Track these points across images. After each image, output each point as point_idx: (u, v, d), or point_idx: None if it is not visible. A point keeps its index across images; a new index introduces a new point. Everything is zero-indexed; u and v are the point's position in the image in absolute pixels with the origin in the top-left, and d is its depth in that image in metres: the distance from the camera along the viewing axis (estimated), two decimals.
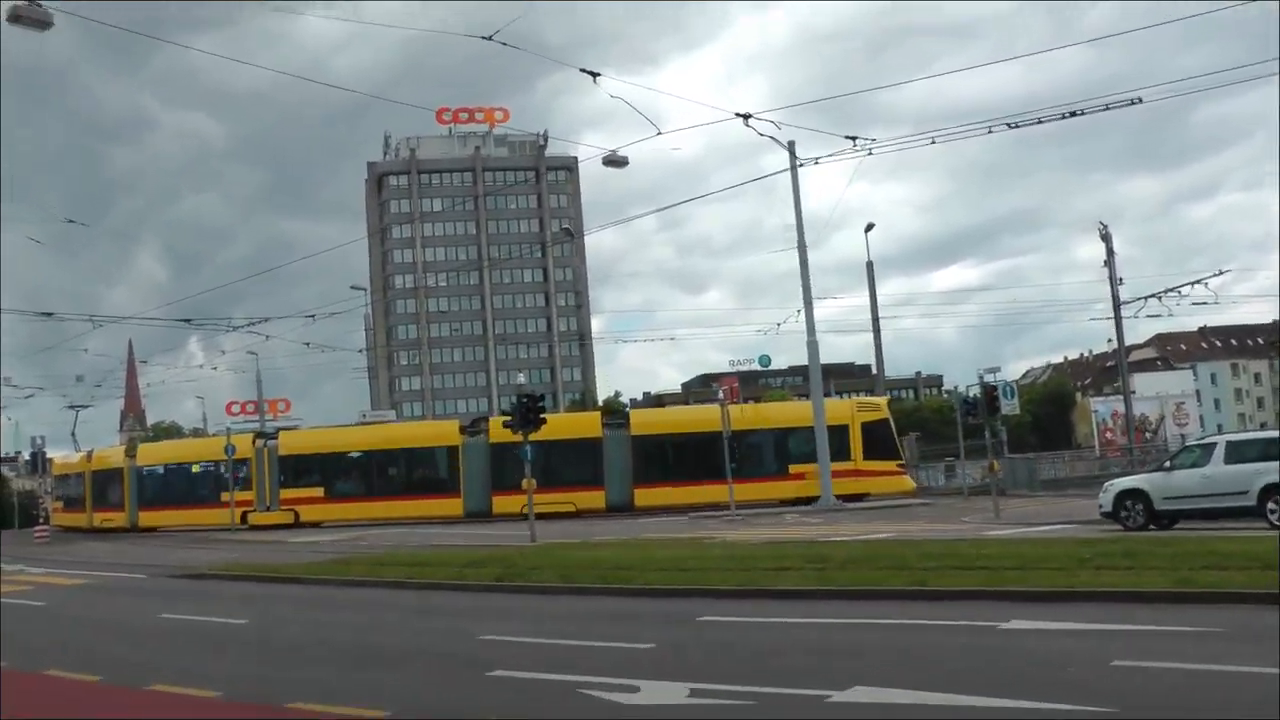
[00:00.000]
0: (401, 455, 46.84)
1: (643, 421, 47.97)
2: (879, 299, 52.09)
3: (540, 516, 31.38)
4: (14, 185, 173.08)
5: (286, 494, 45.45)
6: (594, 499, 42.96)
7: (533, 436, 36.95)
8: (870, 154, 29.39)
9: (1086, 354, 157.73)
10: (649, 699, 9.10)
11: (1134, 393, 70.86)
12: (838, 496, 39.97)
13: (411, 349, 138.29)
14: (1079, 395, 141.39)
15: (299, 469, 46.35)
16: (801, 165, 36.53)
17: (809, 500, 40.55)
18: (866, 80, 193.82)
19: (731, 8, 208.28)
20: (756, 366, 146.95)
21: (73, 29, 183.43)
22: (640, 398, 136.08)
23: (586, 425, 46.63)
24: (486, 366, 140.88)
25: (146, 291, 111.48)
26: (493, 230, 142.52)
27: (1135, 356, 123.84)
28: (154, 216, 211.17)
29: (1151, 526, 23.45)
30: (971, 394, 36.99)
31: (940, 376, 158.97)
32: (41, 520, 48.89)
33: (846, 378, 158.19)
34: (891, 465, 42.68)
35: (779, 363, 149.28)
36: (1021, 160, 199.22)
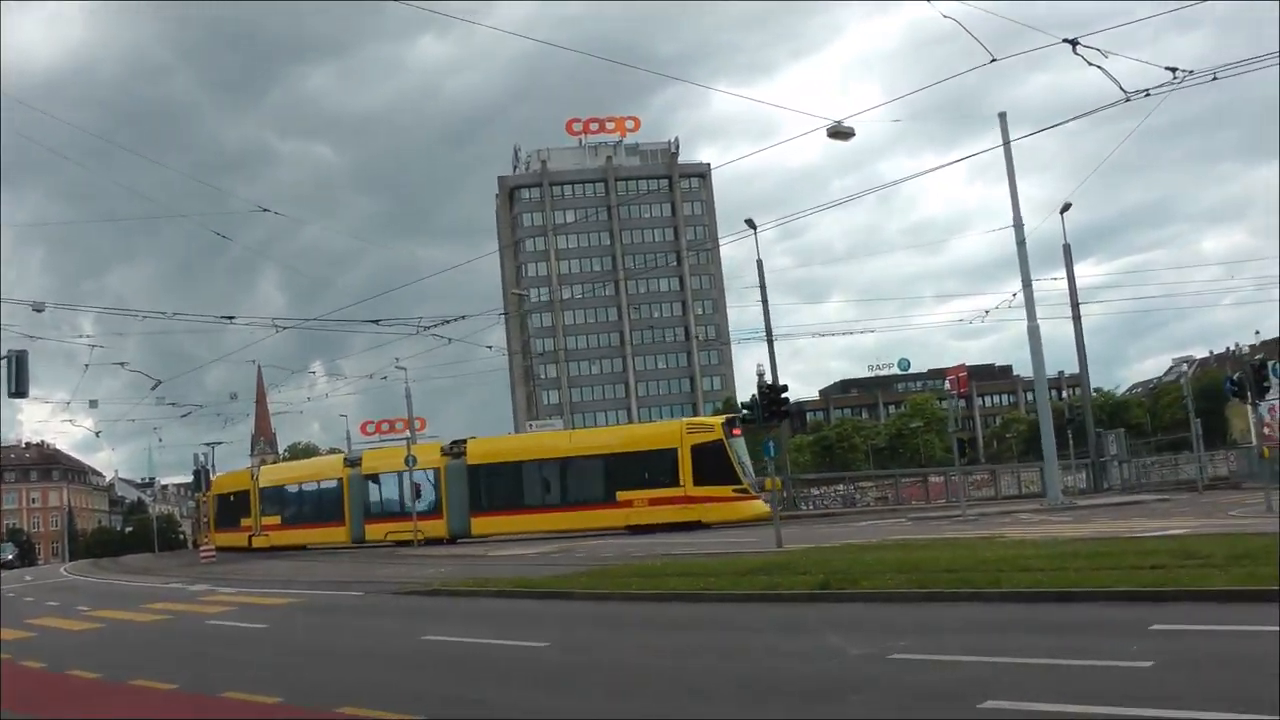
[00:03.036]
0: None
1: (479, 451, 46.11)
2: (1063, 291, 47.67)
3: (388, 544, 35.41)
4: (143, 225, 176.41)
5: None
6: (436, 528, 43.39)
7: (389, 468, 44.54)
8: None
9: (1233, 348, 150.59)
10: None
11: None
12: (659, 528, 37.19)
13: (549, 362, 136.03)
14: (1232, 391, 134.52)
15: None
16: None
17: (641, 529, 37.93)
18: (981, 81, 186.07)
19: (841, 13, 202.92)
20: (896, 370, 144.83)
21: (191, 70, 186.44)
22: None
23: (427, 457, 46.42)
24: (625, 378, 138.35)
25: (266, 320, 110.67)
26: (626, 241, 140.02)
27: None
28: (275, 247, 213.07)
29: None
30: (1235, 375, 32.86)
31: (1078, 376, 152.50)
32: (204, 540, 47.04)
33: (987, 379, 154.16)
34: (727, 490, 38.66)
35: (917, 365, 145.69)
36: (1143, 155, 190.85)
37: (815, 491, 53.75)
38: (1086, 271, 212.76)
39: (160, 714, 10.72)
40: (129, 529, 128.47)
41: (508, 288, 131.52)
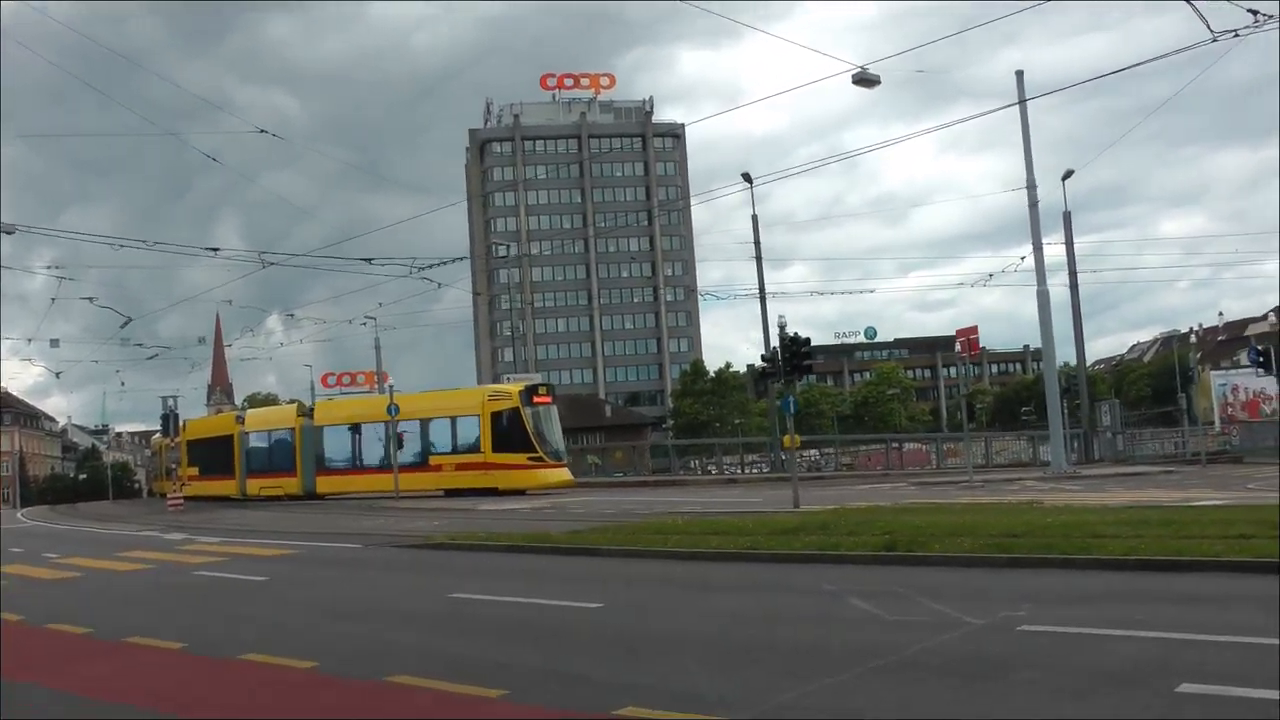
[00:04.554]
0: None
1: (324, 413, 48.32)
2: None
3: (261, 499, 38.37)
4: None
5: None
6: (293, 485, 44.81)
7: (264, 426, 46.71)
8: None
9: (1196, 327, 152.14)
10: None
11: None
12: (467, 491, 37.80)
13: (515, 318, 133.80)
14: (1201, 369, 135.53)
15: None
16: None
17: (456, 492, 38.80)
18: (952, 55, 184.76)
19: None
20: (862, 339, 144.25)
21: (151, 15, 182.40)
22: (744, 369, 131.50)
23: (286, 417, 49.51)
24: (592, 336, 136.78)
25: (223, 270, 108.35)
26: (597, 199, 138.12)
27: (1253, 330, 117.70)
28: (232, 197, 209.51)
29: None
30: (1260, 347, 31.83)
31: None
32: (174, 488, 45.37)
33: (953, 349, 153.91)
34: (521, 458, 38.91)
35: (883, 334, 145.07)
36: (1108, 135, 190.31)
37: (782, 455, 52.52)
38: (1046, 249, 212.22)
39: (174, 680, 9.27)
40: (83, 476, 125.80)
41: (476, 242, 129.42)
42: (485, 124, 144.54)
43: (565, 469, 40.57)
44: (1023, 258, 39.36)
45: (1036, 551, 13.00)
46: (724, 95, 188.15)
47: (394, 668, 8.70)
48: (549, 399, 40.98)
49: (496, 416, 39.58)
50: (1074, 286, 44.60)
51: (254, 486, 46.22)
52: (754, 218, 45.71)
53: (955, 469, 42.85)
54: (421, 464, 40.33)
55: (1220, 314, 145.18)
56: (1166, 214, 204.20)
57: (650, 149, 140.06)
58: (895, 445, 54.68)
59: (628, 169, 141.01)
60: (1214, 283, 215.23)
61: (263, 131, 28.76)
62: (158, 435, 64.42)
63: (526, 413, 39.29)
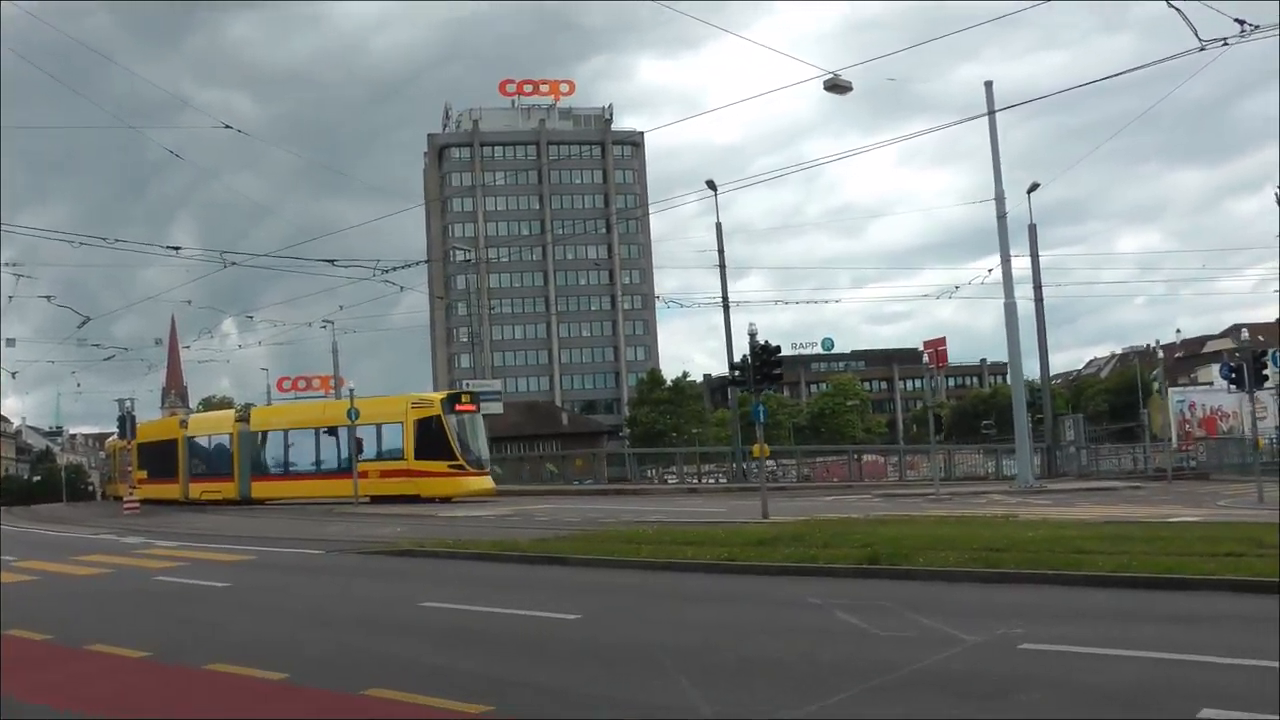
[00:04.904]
0: None
1: (259, 419, 48.46)
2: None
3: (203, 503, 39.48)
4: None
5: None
6: (230, 489, 44.79)
7: (205, 431, 47.24)
8: None
9: (1154, 344, 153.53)
10: None
11: (1211, 384, 66.49)
12: (393, 498, 38.33)
13: (472, 325, 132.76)
14: (1155, 386, 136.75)
15: None
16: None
17: (381, 498, 38.88)
18: (908, 69, 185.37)
19: None
20: (819, 350, 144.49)
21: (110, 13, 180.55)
22: (700, 379, 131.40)
23: (224, 422, 49.48)
24: (549, 344, 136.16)
25: (180, 271, 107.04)
26: (555, 205, 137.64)
27: (1211, 347, 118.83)
28: (190, 198, 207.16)
29: None
30: (1233, 363, 31.63)
31: (1004, 364, 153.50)
32: (129, 491, 44.59)
33: (910, 362, 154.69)
34: (443, 465, 39.27)
35: (840, 346, 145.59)
36: (1065, 150, 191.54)
37: (744, 465, 52.23)
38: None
39: (140, 690, 8.89)
40: (36, 478, 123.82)
41: (434, 247, 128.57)
42: (444, 129, 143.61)
43: (487, 477, 40.83)
44: (990, 270, 39.30)
45: (1025, 566, 12.79)
46: (683, 104, 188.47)
47: (369, 680, 8.38)
48: (473, 407, 41.41)
49: (420, 424, 39.88)
50: (1039, 300, 44.63)
51: (195, 490, 46.19)
52: (718, 225, 45.50)
53: (916, 482, 42.80)
54: (349, 470, 40.16)
55: (1178, 331, 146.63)
56: (1124, 231, 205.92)
57: (609, 156, 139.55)
58: (856, 457, 54.52)
59: (586, 176, 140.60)
60: (1170, 300, 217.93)
61: (226, 126, 28.28)
62: (113, 437, 63.53)
63: (449, 420, 39.60)
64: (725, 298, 44.56)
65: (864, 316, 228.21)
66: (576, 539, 19.13)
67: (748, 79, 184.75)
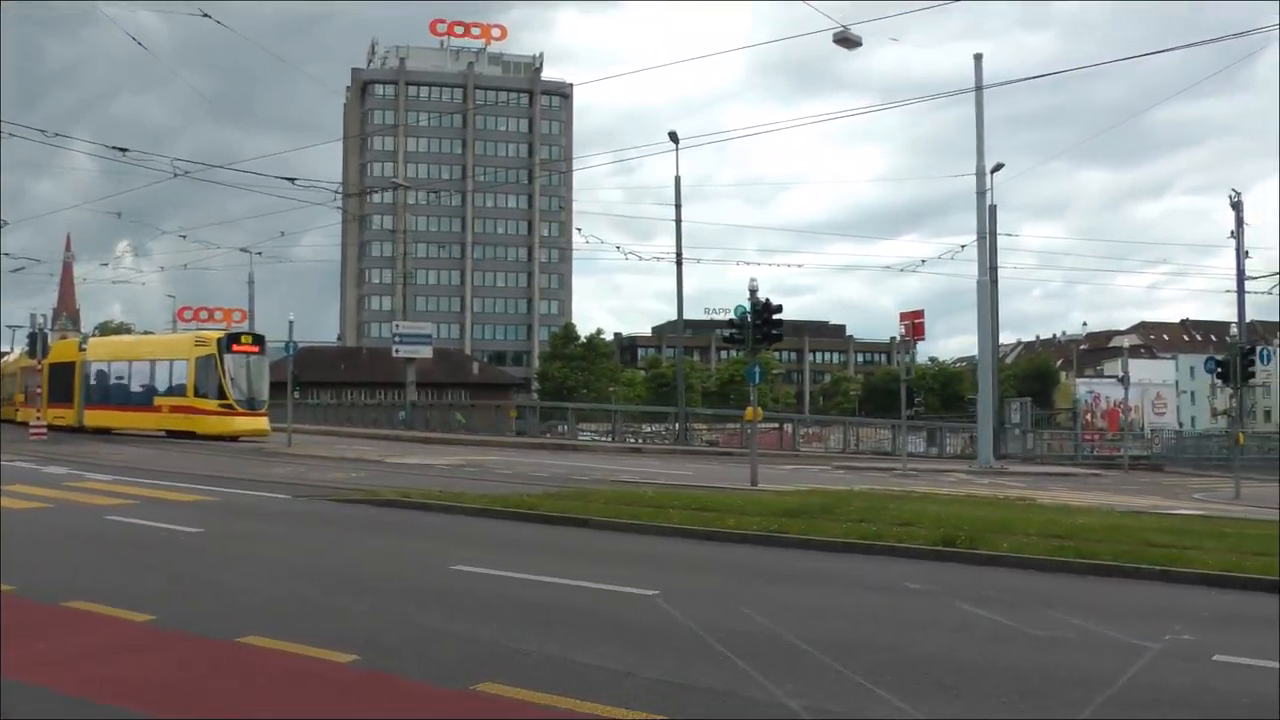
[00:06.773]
0: None
1: (93, 350, 48.58)
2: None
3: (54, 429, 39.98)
4: None
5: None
6: (71, 416, 45.43)
7: (62, 359, 46.53)
8: None
9: (1059, 335, 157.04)
10: None
11: (1119, 377, 67.10)
12: (180, 433, 39.34)
13: (385, 267, 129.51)
14: (1063, 375, 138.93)
15: None
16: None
17: (174, 434, 39.86)
18: (834, 50, 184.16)
19: None
20: (730, 317, 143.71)
21: None
22: (611, 337, 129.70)
23: (70, 350, 49.17)
24: (462, 292, 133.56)
25: (76, 187, 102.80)
26: (479, 151, 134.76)
27: (1116, 342, 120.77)
28: (89, 113, 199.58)
29: None
30: (1220, 357, 30.84)
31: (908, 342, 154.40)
32: (36, 415, 42.01)
33: (821, 335, 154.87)
34: (213, 404, 39.82)
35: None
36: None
37: (648, 428, 50.62)
38: (909, 246, 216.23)
39: (175, 670, 7.13)
40: None
41: (350, 185, 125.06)
42: (369, 64, 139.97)
43: (263, 418, 40.72)
44: (963, 246, 38.31)
45: (1125, 560, 11.50)
46: (610, 61, 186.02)
47: (478, 672, 6.77)
48: (254, 349, 41.10)
49: (199, 362, 40.22)
50: (994, 281, 43.68)
51: (50, 415, 45.16)
52: (677, 179, 43.63)
53: (811, 455, 41.78)
54: (148, 404, 41.28)
55: (1085, 324, 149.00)
56: (1028, 225, 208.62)
57: (537, 106, 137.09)
58: (779, 426, 52.96)
59: (513, 124, 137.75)
60: (1066, 294, 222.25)
61: (133, 39, 26.01)
62: (10, 356, 60.53)
63: (225, 360, 39.79)
64: (680, 253, 43.06)
65: (770, 288, 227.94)
66: (587, 498, 17.44)
67: (676, 39, 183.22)
